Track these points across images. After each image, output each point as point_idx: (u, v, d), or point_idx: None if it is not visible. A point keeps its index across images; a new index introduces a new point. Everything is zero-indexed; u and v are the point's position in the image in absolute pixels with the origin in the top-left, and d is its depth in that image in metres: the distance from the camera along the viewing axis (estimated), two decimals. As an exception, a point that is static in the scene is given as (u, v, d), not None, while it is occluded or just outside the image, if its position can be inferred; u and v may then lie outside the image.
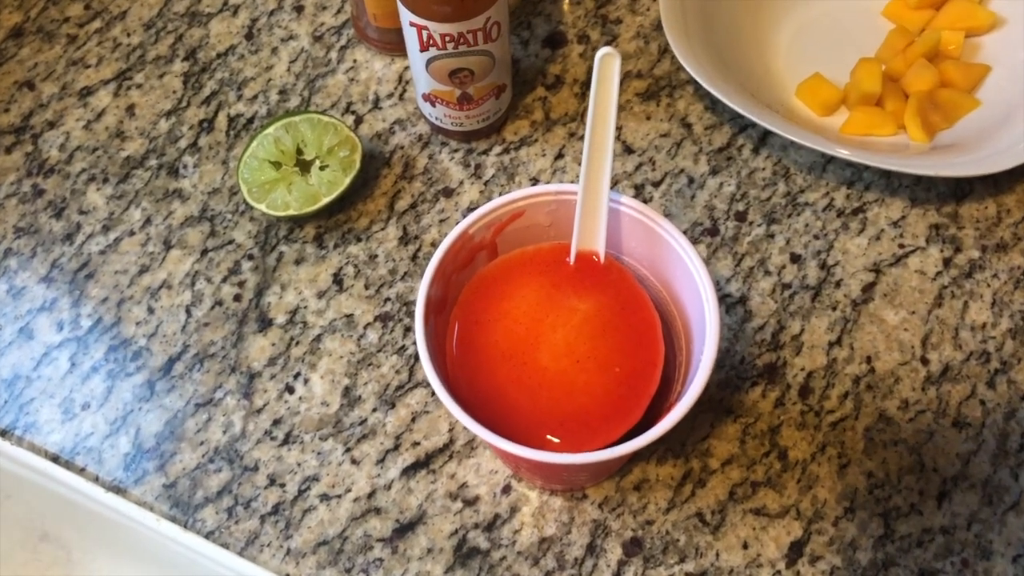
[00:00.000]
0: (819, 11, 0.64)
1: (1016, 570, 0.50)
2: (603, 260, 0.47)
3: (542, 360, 0.46)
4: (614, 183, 0.61)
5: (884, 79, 0.60)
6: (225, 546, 0.53)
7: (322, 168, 0.58)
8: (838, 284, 0.58)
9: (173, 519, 0.54)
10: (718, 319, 0.43)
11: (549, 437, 0.44)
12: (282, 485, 0.54)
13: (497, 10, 0.53)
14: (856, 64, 0.61)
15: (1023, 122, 0.56)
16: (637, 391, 0.45)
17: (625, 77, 0.65)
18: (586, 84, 0.65)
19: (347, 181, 0.58)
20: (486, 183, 0.62)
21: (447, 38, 0.53)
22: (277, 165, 0.59)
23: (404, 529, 0.53)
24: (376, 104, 0.65)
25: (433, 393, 0.56)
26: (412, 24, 0.53)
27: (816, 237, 0.59)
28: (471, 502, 0.53)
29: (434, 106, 0.59)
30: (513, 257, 0.49)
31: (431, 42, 0.54)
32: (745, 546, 0.51)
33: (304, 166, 0.59)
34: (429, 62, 0.55)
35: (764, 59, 0.63)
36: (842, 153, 0.56)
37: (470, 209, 0.61)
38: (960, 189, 0.60)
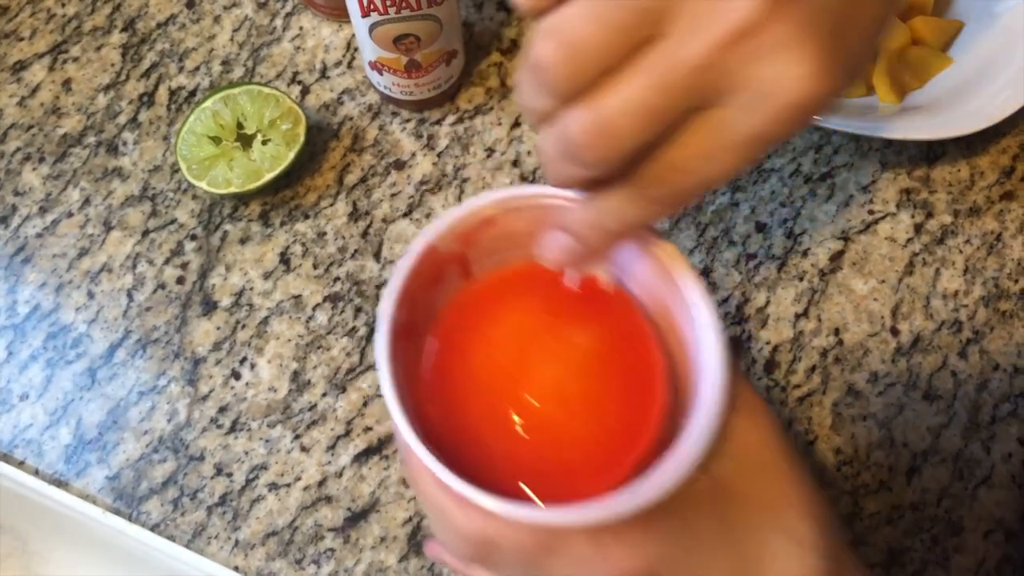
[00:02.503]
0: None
1: (987, 546, 0.49)
2: (606, 285, 0.39)
3: (525, 398, 0.38)
4: (573, 152, 0.59)
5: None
6: (171, 538, 0.51)
7: (264, 142, 0.56)
8: (805, 253, 0.56)
9: (117, 512, 0.52)
10: (722, 372, 0.33)
11: (522, 486, 0.37)
12: (229, 475, 0.52)
13: (441, -28, 0.50)
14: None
15: (996, 81, 0.54)
16: (629, 445, 0.37)
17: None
18: (543, 48, 0.62)
19: (291, 156, 0.56)
20: (439, 155, 0.59)
21: (388, 2, 0.50)
22: (217, 140, 0.56)
23: (356, 518, 0.51)
24: (323, 73, 0.62)
25: (385, 375, 0.53)
26: (352, -12, 0.51)
27: (782, 205, 0.57)
28: (425, 488, 0.51)
29: (381, 74, 0.57)
30: (504, 273, 0.41)
31: (372, 6, 0.51)
32: (709, 528, 0.50)
33: (245, 141, 0.56)
34: (372, 28, 0.53)
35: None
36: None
37: (422, 182, 0.59)
38: (932, 152, 0.58)
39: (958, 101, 0.54)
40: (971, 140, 0.58)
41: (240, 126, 0.56)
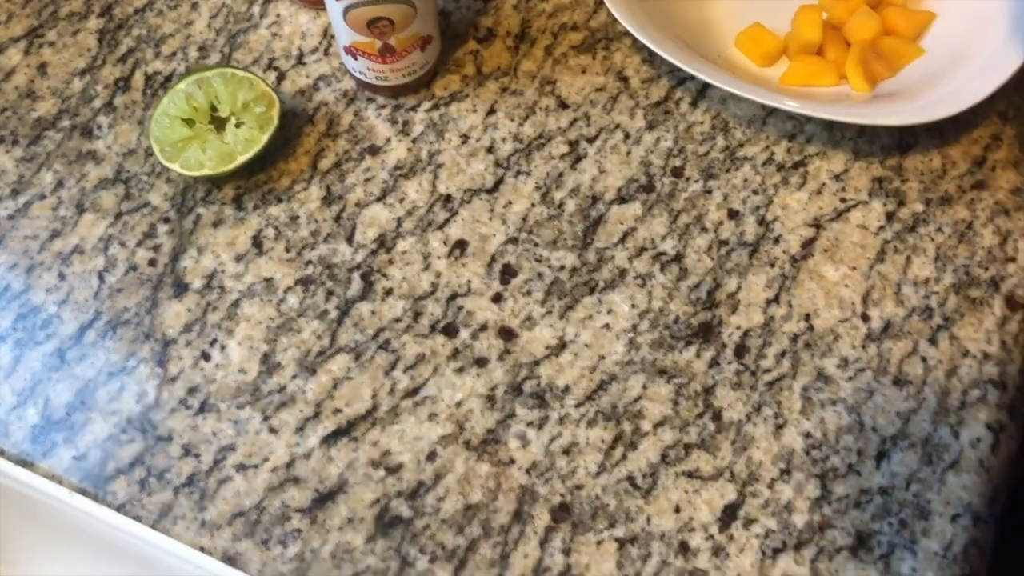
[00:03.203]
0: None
1: (955, 530, 0.49)
2: None
3: None
4: (547, 139, 0.59)
5: (825, 27, 0.58)
6: (137, 519, 0.51)
7: (237, 125, 0.56)
8: (777, 240, 0.56)
9: (84, 492, 0.52)
10: None
11: None
12: (197, 455, 0.52)
13: (414, -46, 0.51)
14: (796, 12, 0.58)
15: (968, 67, 0.54)
16: None
17: (560, 29, 0.62)
18: (520, 36, 0.62)
19: (264, 139, 0.56)
20: (414, 140, 0.59)
21: (361, -16, 0.51)
22: (190, 123, 0.56)
23: (323, 499, 0.51)
24: (299, 60, 0.62)
25: (357, 357, 0.53)
26: (325, -30, 0.51)
27: (755, 192, 0.57)
28: (394, 470, 0.51)
29: (356, 59, 0.57)
30: None
31: (345, -11, 0.51)
32: (677, 510, 0.50)
33: (219, 124, 0.56)
34: (346, 11, 0.53)
35: (702, 9, 0.61)
36: (781, 103, 0.54)
37: (396, 168, 0.59)
38: (904, 141, 0.58)
39: (930, 88, 0.54)
40: (943, 129, 0.58)
41: (214, 109, 0.56)
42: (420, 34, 0.56)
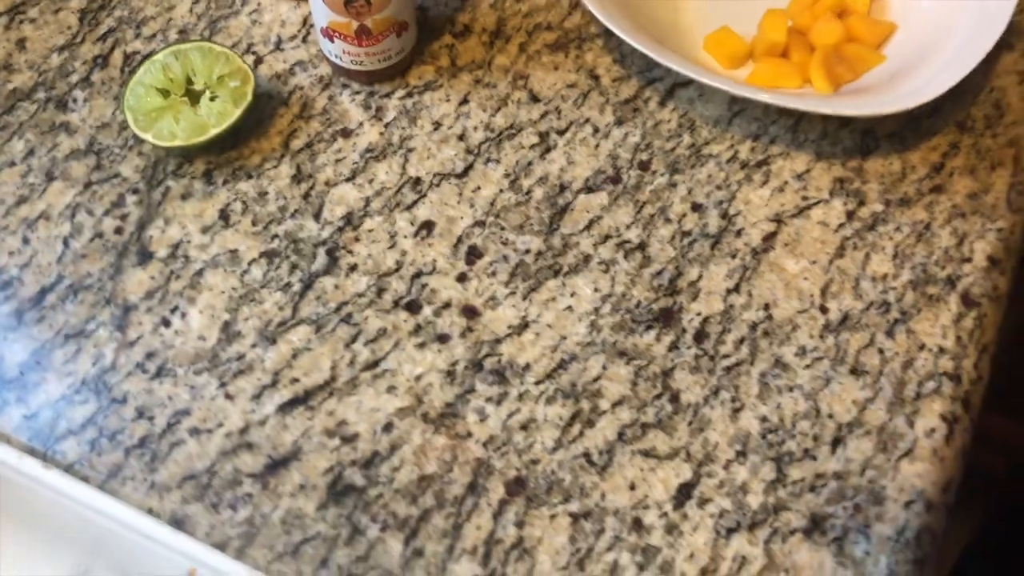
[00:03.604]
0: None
1: (908, 516, 0.49)
2: None
3: None
4: (518, 129, 0.60)
5: (791, 32, 0.60)
6: (85, 479, 0.50)
7: (212, 99, 0.56)
8: (739, 233, 0.57)
9: (32, 451, 0.51)
10: None
11: None
12: (151, 418, 0.51)
13: (394, -65, 0.52)
14: (763, 15, 0.60)
15: (928, 70, 0.56)
16: None
17: (535, 29, 0.64)
18: (495, 33, 0.64)
19: (238, 113, 0.56)
20: (387, 125, 0.60)
21: (340, -40, 0.52)
22: (165, 93, 0.56)
23: (276, 465, 0.50)
24: (278, 46, 0.63)
25: (319, 329, 0.53)
26: (306, -54, 0.52)
27: (719, 187, 0.58)
28: (349, 439, 0.51)
29: (333, 41, 0.58)
30: None
31: (324, -36, 0.52)
32: (632, 487, 0.49)
33: (194, 97, 0.57)
34: (324, -11, 0.54)
35: (673, 14, 0.62)
36: (751, 93, 0.55)
37: (368, 150, 0.59)
38: (865, 145, 0.60)
39: (889, 91, 0.56)
40: (904, 136, 0.60)
41: (190, 82, 0.57)
42: (396, 19, 0.57)
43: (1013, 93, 0.61)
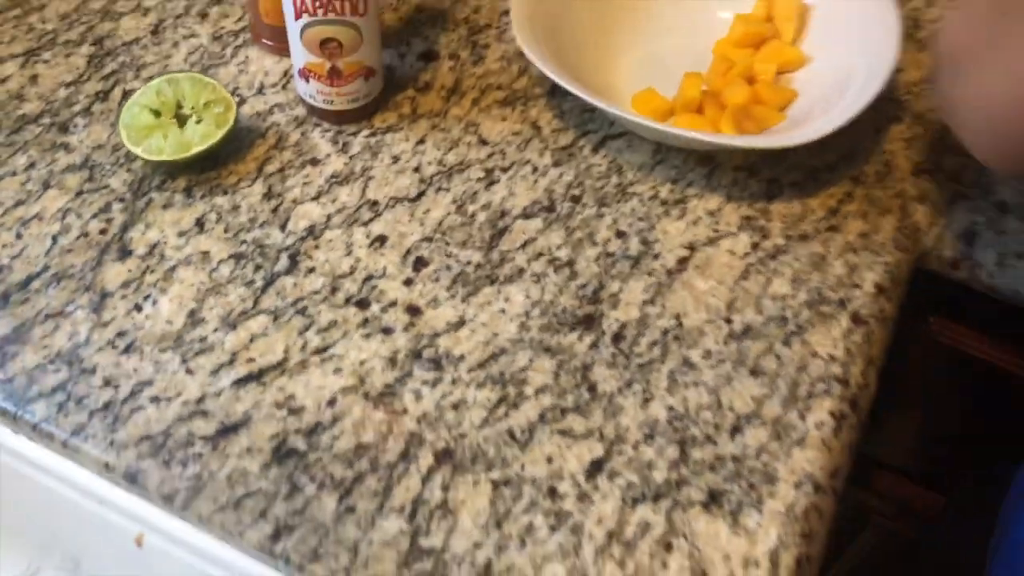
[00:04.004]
0: (659, 45, 0.74)
1: (798, 495, 0.54)
2: None
3: None
4: (466, 166, 0.68)
5: (706, 94, 0.69)
6: (50, 437, 0.55)
7: (198, 121, 0.64)
8: (656, 256, 0.64)
9: (3, 412, 0.56)
10: None
11: None
12: (116, 386, 0.56)
13: (364, -12, 0.62)
14: (682, 77, 0.70)
15: (816, 125, 0.65)
16: None
17: (487, 87, 0.73)
18: (452, 90, 0.73)
19: (220, 135, 0.64)
20: (351, 157, 0.68)
21: (316, 4, 0.61)
22: (157, 114, 0.64)
23: (227, 430, 0.55)
24: (260, 90, 0.72)
25: (276, 319, 0.59)
26: (289, -7, 0.61)
27: (640, 219, 0.66)
28: (296, 411, 0.56)
29: (308, 82, 0.66)
30: None
31: (303, 7, 0.61)
32: (549, 460, 0.55)
33: (182, 120, 0.65)
34: (303, 30, 0.63)
35: (606, 76, 0.72)
36: (678, 131, 0.63)
37: (333, 176, 0.67)
38: (771, 191, 0.68)
39: (789, 137, 0.65)
40: (804, 185, 0.68)
41: (179, 106, 0.65)
42: (364, 63, 0.66)
43: (900, 156, 0.70)
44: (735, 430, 0.56)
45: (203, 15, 0.77)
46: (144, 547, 0.59)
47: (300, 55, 0.65)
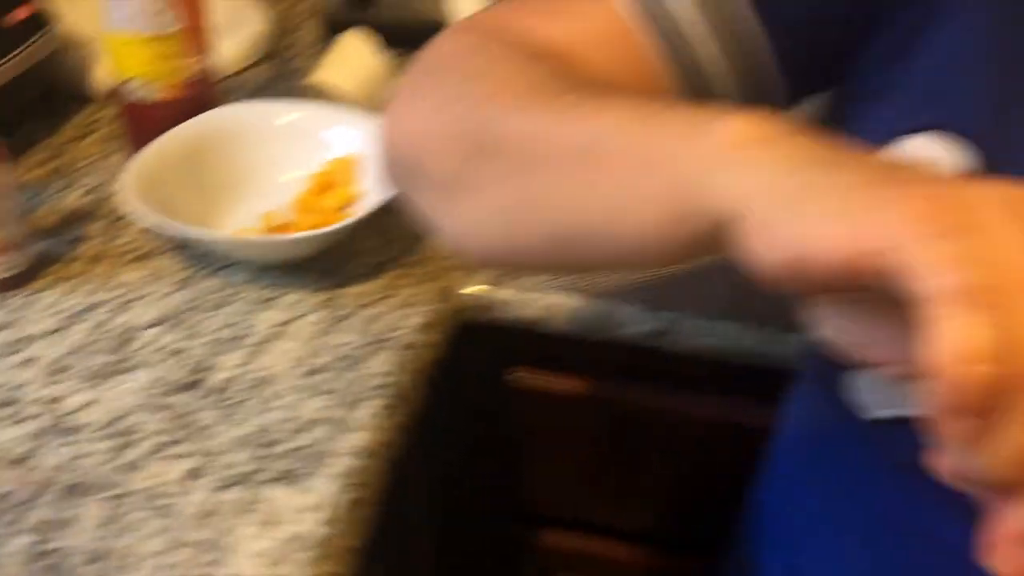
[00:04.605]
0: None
1: (353, 461, 0.72)
2: None
3: None
4: (99, 303, 0.87)
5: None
6: None
7: None
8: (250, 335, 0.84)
9: None
10: None
11: None
12: None
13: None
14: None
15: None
16: None
17: (125, 252, 0.94)
18: (95, 259, 0.93)
19: None
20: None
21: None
22: None
23: None
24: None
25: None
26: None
27: (245, 313, 0.86)
28: None
29: (-37, 260, 0.85)
30: None
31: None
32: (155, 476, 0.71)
33: None
34: (-51, 218, 0.82)
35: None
36: (236, 239, 0.85)
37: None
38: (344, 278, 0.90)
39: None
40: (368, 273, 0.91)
41: None
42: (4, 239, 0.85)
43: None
44: (304, 429, 0.75)
45: None
46: None
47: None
